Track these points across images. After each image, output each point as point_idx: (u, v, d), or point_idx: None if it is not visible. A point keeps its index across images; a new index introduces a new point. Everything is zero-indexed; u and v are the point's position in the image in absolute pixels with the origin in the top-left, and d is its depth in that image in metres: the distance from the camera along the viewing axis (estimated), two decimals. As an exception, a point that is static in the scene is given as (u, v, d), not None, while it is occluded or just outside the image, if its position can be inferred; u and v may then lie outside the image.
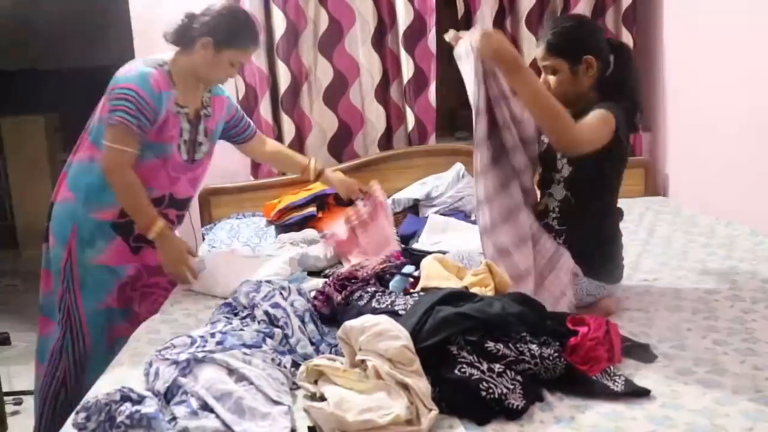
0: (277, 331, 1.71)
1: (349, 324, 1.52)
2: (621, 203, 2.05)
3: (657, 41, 3.29)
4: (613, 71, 1.96)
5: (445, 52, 3.25)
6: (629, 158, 3.28)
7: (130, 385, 1.59)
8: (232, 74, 2.29)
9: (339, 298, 1.92)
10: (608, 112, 1.84)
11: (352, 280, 1.99)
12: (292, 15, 3.18)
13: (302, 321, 1.78)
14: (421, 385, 1.40)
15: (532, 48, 3.23)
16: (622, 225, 2.04)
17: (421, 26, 3.21)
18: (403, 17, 3.19)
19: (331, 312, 1.93)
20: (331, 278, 2.05)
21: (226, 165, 3.34)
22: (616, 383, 1.49)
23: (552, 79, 1.94)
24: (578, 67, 1.91)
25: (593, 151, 1.82)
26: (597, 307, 1.92)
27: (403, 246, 2.50)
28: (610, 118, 1.83)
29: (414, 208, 3.05)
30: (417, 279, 1.99)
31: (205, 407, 1.37)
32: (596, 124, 1.82)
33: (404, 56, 3.22)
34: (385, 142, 3.36)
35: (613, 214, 2.01)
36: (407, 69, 3.23)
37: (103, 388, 1.60)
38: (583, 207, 1.95)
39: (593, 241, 1.95)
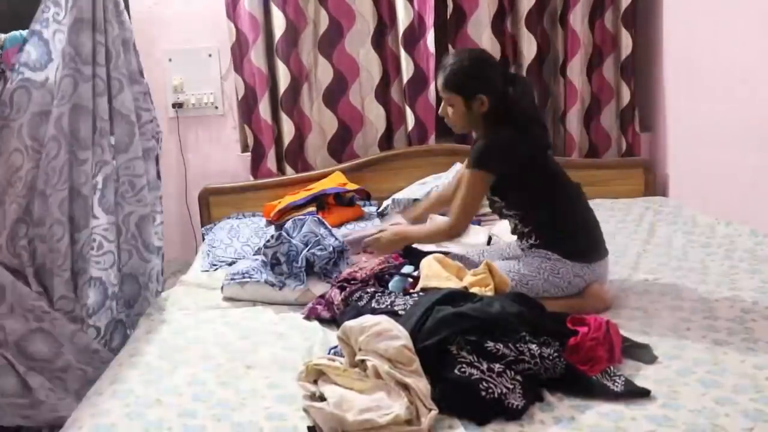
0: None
1: (348, 324, 1.52)
2: (621, 203, 2.07)
3: (657, 41, 3.28)
4: (510, 100, 2.07)
5: (444, 51, 3.27)
6: (629, 158, 3.32)
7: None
8: None
9: (339, 299, 1.92)
10: (471, 170, 2.05)
11: (352, 282, 1.99)
12: (292, 15, 3.18)
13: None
14: (421, 384, 1.40)
15: (533, 48, 3.23)
16: (621, 223, 2.06)
17: (421, 26, 3.21)
18: (403, 17, 3.19)
19: (332, 316, 1.93)
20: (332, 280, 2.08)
21: (226, 165, 3.35)
22: (616, 383, 1.49)
23: (450, 110, 2.11)
24: (472, 103, 2.06)
25: (499, 185, 2.05)
26: (589, 296, 1.96)
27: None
28: (474, 178, 2.04)
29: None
30: (416, 279, 2.00)
31: None
32: (467, 197, 2.06)
33: (404, 56, 3.22)
34: (385, 142, 3.36)
35: (564, 197, 2.10)
36: (407, 69, 3.23)
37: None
38: (533, 209, 2.09)
39: (557, 227, 2.06)
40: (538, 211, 2.08)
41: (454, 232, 2.13)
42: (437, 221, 2.32)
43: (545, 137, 2.21)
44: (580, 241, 2.05)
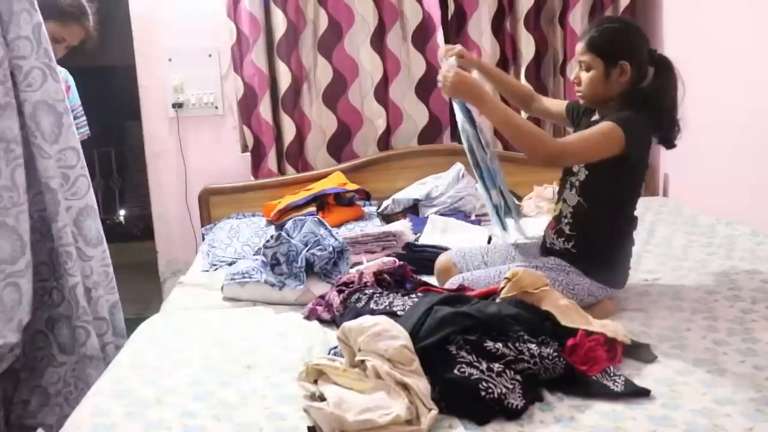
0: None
1: (348, 325, 1.52)
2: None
3: (656, 41, 3.28)
4: (650, 84, 1.94)
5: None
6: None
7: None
8: (56, 50, 2.09)
9: (338, 301, 1.92)
10: (615, 125, 1.82)
11: (350, 284, 2.00)
12: (292, 15, 3.19)
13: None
14: (421, 384, 1.40)
15: (531, 48, 3.23)
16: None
17: (430, 23, 3.22)
18: (411, 15, 3.20)
19: (332, 317, 1.93)
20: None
21: (226, 165, 3.35)
22: (616, 383, 1.49)
23: (584, 75, 1.94)
24: (612, 70, 1.90)
25: (608, 159, 1.83)
26: (597, 308, 1.92)
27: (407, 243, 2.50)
28: (613, 132, 1.82)
29: (414, 208, 3.05)
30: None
31: None
32: (592, 138, 1.83)
33: (413, 54, 3.22)
34: (385, 142, 3.36)
35: (627, 223, 1.99)
36: (417, 67, 3.23)
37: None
38: (594, 213, 1.94)
39: (601, 247, 1.95)
40: (604, 220, 1.93)
41: (553, 156, 1.82)
42: (541, 130, 1.88)
43: (670, 142, 1.97)
44: (615, 269, 1.97)
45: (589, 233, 1.96)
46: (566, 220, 1.99)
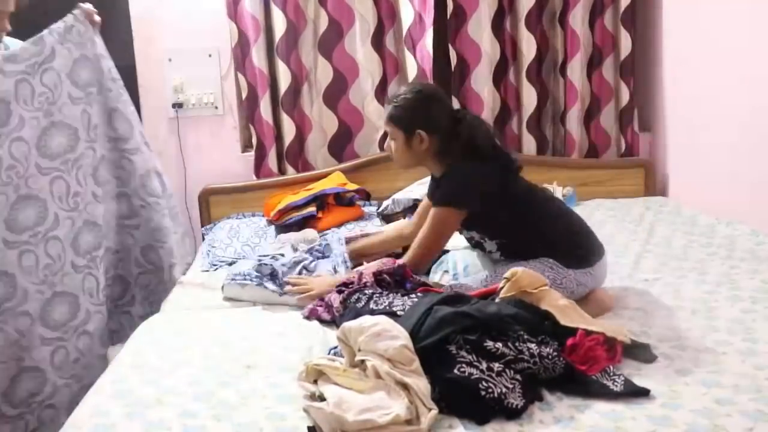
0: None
1: (347, 325, 1.52)
2: (621, 203, 2.06)
3: (656, 41, 3.29)
4: (461, 138, 2.02)
5: (445, 51, 3.27)
6: (629, 158, 3.32)
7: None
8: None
9: (338, 302, 1.92)
10: (441, 208, 2.00)
11: (350, 284, 1.99)
12: (292, 15, 3.18)
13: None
14: (421, 384, 1.40)
15: (532, 48, 3.23)
16: (621, 223, 2.05)
17: (420, 26, 3.21)
18: (405, 17, 3.19)
19: (332, 318, 1.93)
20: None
21: (226, 165, 3.35)
22: (616, 383, 1.49)
23: (392, 144, 2.10)
24: (412, 139, 2.04)
25: (472, 218, 2.01)
26: (593, 302, 1.94)
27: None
28: (446, 215, 1.99)
29: (414, 208, 3.04)
30: None
31: None
32: (433, 233, 2.01)
33: (408, 56, 3.22)
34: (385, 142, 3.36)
35: (548, 212, 2.06)
36: (411, 69, 3.23)
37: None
38: (514, 237, 2.04)
39: (549, 247, 2.00)
40: (524, 231, 2.02)
41: (419, 266, 2.05)
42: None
43: (510, 162, 2.08)
44: (574, 248, 2.01)
45: (530, 241, 2.02)
46: (501, 257, 2.08)
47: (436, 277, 2.19)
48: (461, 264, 2.17)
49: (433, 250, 2.08)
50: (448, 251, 2.26)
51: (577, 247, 2.02)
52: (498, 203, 2.01)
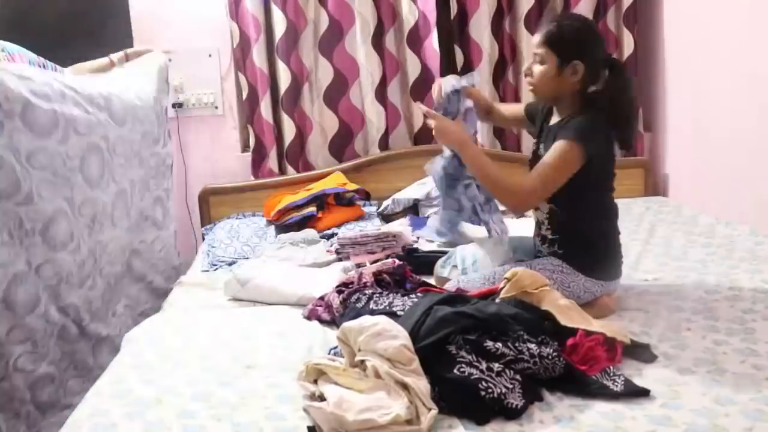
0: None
1: (347, 325, 1.52)
2: (620, 203, 2.05)
3: (657, 41, 3.28)
4: (605, 87, 1.93)
5: (445, 51, 3.27)
6: (629, 158, 3.31)
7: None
8: None
9: (337, 302, 1.92)
10: (569, 141, 1.83)
11: (350, 284, 1.99)
12: (292, 15, 3.19)
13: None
14: (421, 384, 1.40)
15: (532, 48, 3.23)
16: (621, 224, 2.04)
17: (425, 25, 3.22)
18: (408, 16, 3.19)
19: (332, 318, 1.93)
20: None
21: (226, 165, 3.35)
22: (616, 383, 1.49)
23: (537, 68, 1.93)
24: (565, 67, 1.89)
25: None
26: (596, 306, 1.92)
27: (407, 247, 2.49)
28: (571, 150, 1.83)
29: (414, 208, 3.05)
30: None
31: None
32: (552, 167, 1.85)
33: (409, 55, 3.22)
34: (385, 142, 3.36)
35: (606, 215, 2.00)
36: (412, 68, 3.23)
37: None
38: (570, 214, 1.95)
39: (585, 244, 1.95)
40: (585, 212, 1.94)
41: (525, 203, 1.93)
42: (510, 177, 1.92)
43: (628, 144, 1.98)
44: (605, 261, 1.97)
45: (570, 234, 1.97)
46: (545, 227, 2.01)
47: (444, 272, 2.16)
48: (470, 259, 2.15)
49: (551, 186, 1.87)
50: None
51: (607, 261, 1.97)
52: (594, 172, 1.90)
